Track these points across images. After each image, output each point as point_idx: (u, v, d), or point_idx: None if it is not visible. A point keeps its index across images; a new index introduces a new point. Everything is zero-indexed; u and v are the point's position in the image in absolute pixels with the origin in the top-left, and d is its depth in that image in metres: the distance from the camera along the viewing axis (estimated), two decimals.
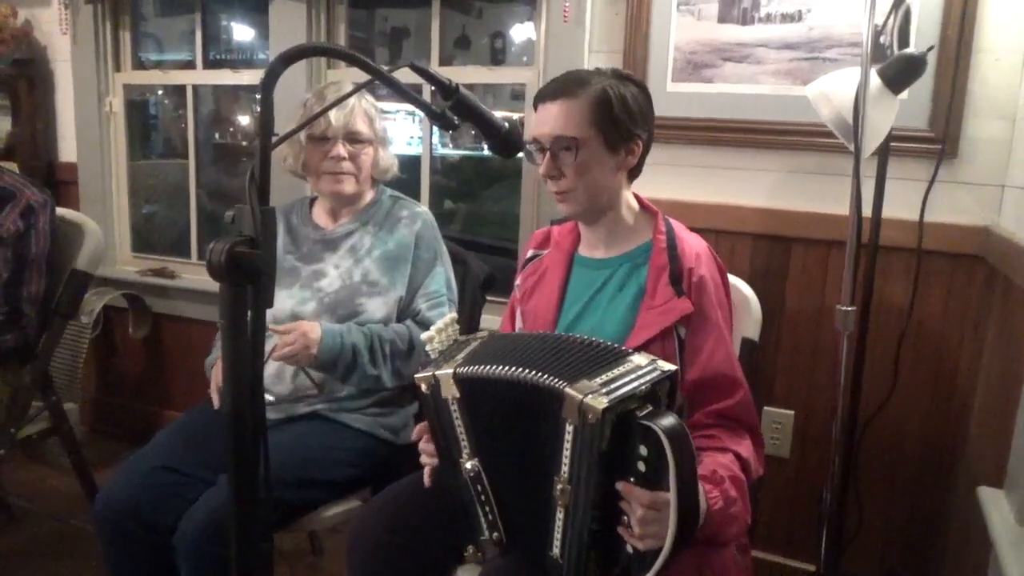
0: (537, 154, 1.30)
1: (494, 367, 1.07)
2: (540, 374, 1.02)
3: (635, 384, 0.99)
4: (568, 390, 0.98)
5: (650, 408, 0.99)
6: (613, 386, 0.98)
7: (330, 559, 2.18)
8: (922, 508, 1.87)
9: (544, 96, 1.29)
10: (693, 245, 1.31)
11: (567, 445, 1.00)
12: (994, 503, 1.27)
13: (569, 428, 0.99)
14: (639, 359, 1.06)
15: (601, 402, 0.95)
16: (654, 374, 1.02)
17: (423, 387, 1.12)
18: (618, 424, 0.97)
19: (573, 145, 1.25)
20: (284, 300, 1.65)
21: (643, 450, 0.97)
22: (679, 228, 1.35)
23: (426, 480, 1.25)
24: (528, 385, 1.03)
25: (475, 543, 1.17)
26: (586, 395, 0.96)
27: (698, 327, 1.24)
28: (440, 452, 1.17)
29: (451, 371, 1.10)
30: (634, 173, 1.37)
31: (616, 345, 1.11)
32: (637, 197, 1.39)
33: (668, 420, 0.94)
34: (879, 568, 1.92)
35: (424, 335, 1.22)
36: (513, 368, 1.05)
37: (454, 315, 1.26)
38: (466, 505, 1.15)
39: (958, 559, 1.69)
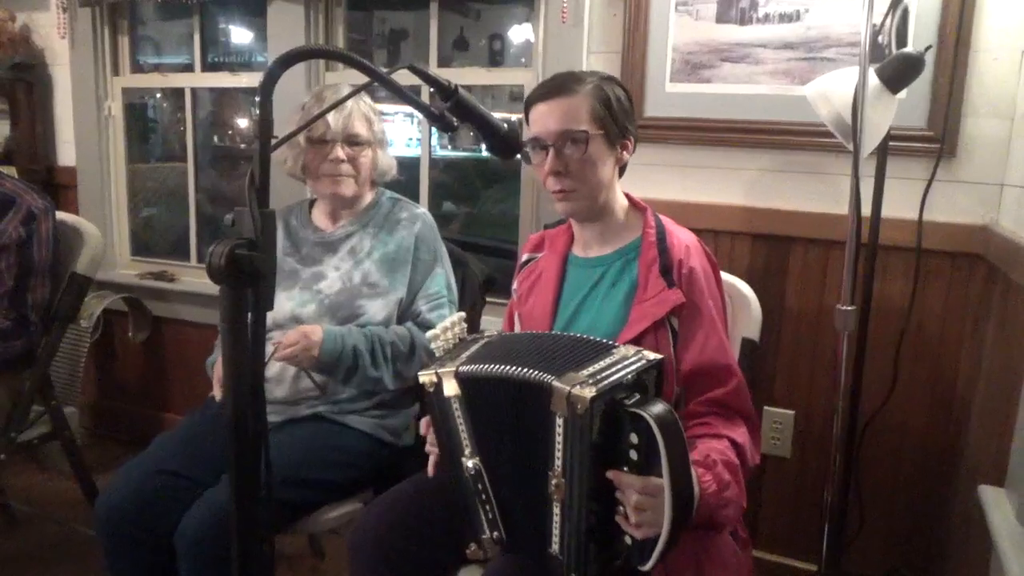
0: (537, 153, 1.30)
1: (490, 366, 1.09)
2: (528, 370, 1.04)
3: (621, 373, 1.01)
4: (555, 383, 1.00)
5: (638, 396, 1.00)
6: (599, 376, 1.00)
7: (331, 562, 2.17)
8: (923, 507, 1.87)
9: (542, 95, 1.29)
10: (683, 238, 1.33)
11: (558, 438, 1.01)
12: (995, 501, 1.27)
13: (559, 421, 1.00)
14: (625, 351, 1.08)
15: (589, 391, 0.96)
16: (639, 363, 1.04)
17: (427, 384, 1.13)
18: (607, 413, 0.98)
19: (583, 138, 1.26)
20: (284, 302, 1.65)
21: (634, 438, 0.98)
22: (668, 223, 1.36)
23: (430, 470, 1.25)
24: (517, 381, 1.04)
25: (477, 540, 1.17)
26: (573, 386, 0.97)
27: (690, 317, 1.25)
28: (443, 449, 1.18)
29: (453, 370, 1.11)
30: (622, 171, 1.40)
31: (604, 340, 1.12)
32: (627, 195, 1.41)
33: (657, 407, 0.96)
34: (880, 567, 1.92)
35: (429, 333, 1.22)
36: (504, 366, 1.06)
37: (462, 314, 1.26)
38: (468, 502, 1.16)
39: (959, 558, 1.69)
